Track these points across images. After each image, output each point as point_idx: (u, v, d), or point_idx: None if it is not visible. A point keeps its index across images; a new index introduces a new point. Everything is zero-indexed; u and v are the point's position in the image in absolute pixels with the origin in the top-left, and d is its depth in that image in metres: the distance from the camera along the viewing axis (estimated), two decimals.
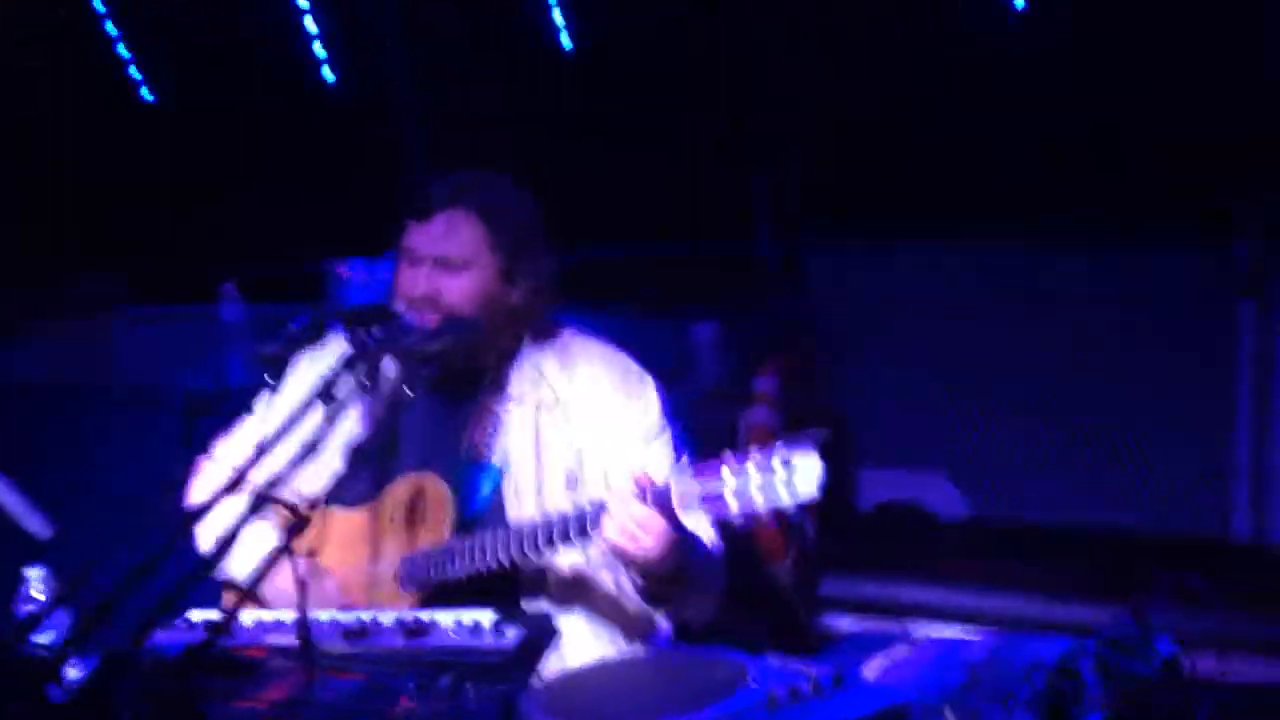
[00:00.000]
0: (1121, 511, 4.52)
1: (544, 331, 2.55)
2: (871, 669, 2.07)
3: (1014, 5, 4.50)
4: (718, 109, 4.83)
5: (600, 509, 2.23)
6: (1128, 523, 4.50)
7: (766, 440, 3.26)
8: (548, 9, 5.07)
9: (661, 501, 2.18)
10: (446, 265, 2.42)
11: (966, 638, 2.40)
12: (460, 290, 2.42)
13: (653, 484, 2.18)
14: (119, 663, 1.62)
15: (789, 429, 4.01)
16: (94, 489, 2.62)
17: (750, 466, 2.10)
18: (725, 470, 2.13)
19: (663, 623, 2.53)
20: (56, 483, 2.53)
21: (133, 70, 5.58)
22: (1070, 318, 4.64)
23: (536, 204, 2.56)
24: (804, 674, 1.91)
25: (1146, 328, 4.48)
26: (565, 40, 5.11)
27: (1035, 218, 4.64)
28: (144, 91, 5.56)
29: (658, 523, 2.18)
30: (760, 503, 2.09)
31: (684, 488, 2.17)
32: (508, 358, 2.52)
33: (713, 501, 2.13)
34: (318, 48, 5.33)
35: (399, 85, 5.16)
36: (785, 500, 2.07)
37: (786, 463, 2.07)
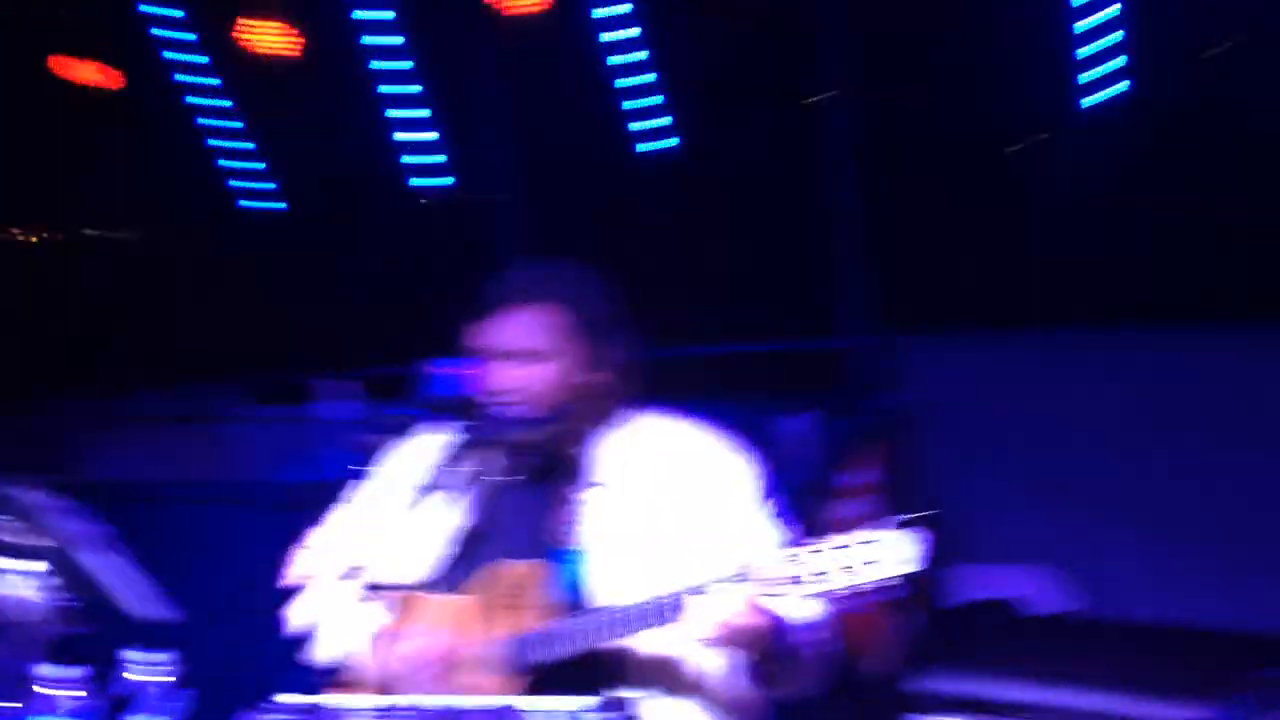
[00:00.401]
0: (1218, 612, 4.40)
1: (628, 417, 2.58)
2: None
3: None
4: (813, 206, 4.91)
5: (688, 593, 2.25)
6: (1225, 623, 4.38)
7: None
8: (648, 115, 5.23)
9: (744, 583, 2.19)
10: (522, 357, 2.46)
11: None
12: (538, 380, 2.45)
13: (734, 569, 2.20)
14: None
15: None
16: (190, 581, 2.71)
17: (852, 542, 2.11)
18: (827, 548, 2.14)
19: (761, 703, 2.52)
20: (183, 574, 2.64)
21: (242, 181, 5.86)
22: (1170, 411, 4.58)
23: (612, 292, 2.58)
24: None
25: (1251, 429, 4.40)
26: (670, 141, 5.24)
27: (1142, 310, 4.62)
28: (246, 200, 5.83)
29: (739, 603, 2.19)
30: (841, 584, 2.10)
31: (767, 569, 2.18)
32: (584, 443, 2.55)
33: (796, 582, 2.15)
34: (427, 155, 5.55)
35: (504, 190, 5.33)
36: (865, 580, 2.08)
37: (867, 543, 2.09)
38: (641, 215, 5.32)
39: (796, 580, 2.14)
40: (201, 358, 5.80)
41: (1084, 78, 4.43)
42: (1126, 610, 4.54)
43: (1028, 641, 4.33)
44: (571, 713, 2.10)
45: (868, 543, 2.10)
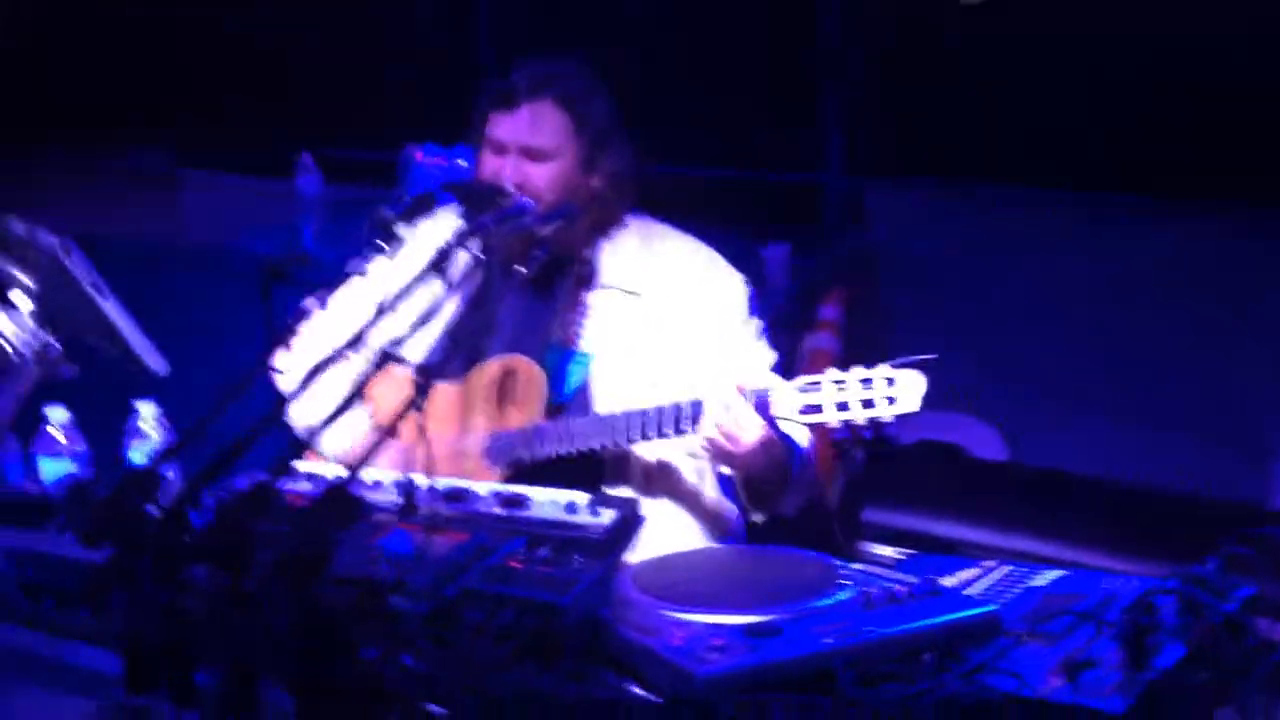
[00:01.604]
0: (1159, 473, 4.57)
1: (624, 222, 2.59)
2: (949, 584, 2.14)
3: None
4: (795, 32, 4.82)
5: (699, 406, 2.28)
6: (1163, 484, 4.57)
7: (828, 364, 3.32)
8: None
9: (761, 406, 2.23)
10: (531, 154, 2.46)
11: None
12: (546, 178, 2.45)
13: (753, 388, 2.24)
14: (259, 497, 1.68)
15: (849, 358, 4.09)
16: (175, 344, 2.65)
17: (852, 379, 2.16)
18: (826, 382, 2.19)
19: (734, 518, 2.60)
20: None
21: None
22: (1128, 272, 4.67)
23: (610, 96, 2.57)
24: (897, 579, 1.98)
25: (1208, 289, 4.51)
26: None
27: (1093, 176, 4.66)
28: None
29: (756, 423, 2.24)
30: (862, 415, 2.15)
31: (784, 396, 2.22)
32: (592, 245, 2.56)
33: (812, 411, 2.20)
34: None
35: None
36: (886, 413, 2.14)
37: (890, 380, 2.14)
38: (631, 23, 5.16)
39: (817, 409, 2.18)
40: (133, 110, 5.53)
41: None
42: (1067, 463, 4.68)
43: (969, 484, 4.46)
44: (573, 502, 2.13)
45: (890, 380, 2.15)
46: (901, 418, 2.20)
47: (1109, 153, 4.67)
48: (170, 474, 2.27)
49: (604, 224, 2.56)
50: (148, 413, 2.46)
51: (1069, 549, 3.92)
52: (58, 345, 2.30)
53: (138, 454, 2.46)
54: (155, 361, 2.28)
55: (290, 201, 4.41)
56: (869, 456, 4.18)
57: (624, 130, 2.55)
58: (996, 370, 4.84)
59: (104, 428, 2.54)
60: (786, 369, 3.55)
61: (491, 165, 2.47)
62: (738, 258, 2.71)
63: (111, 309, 2.27)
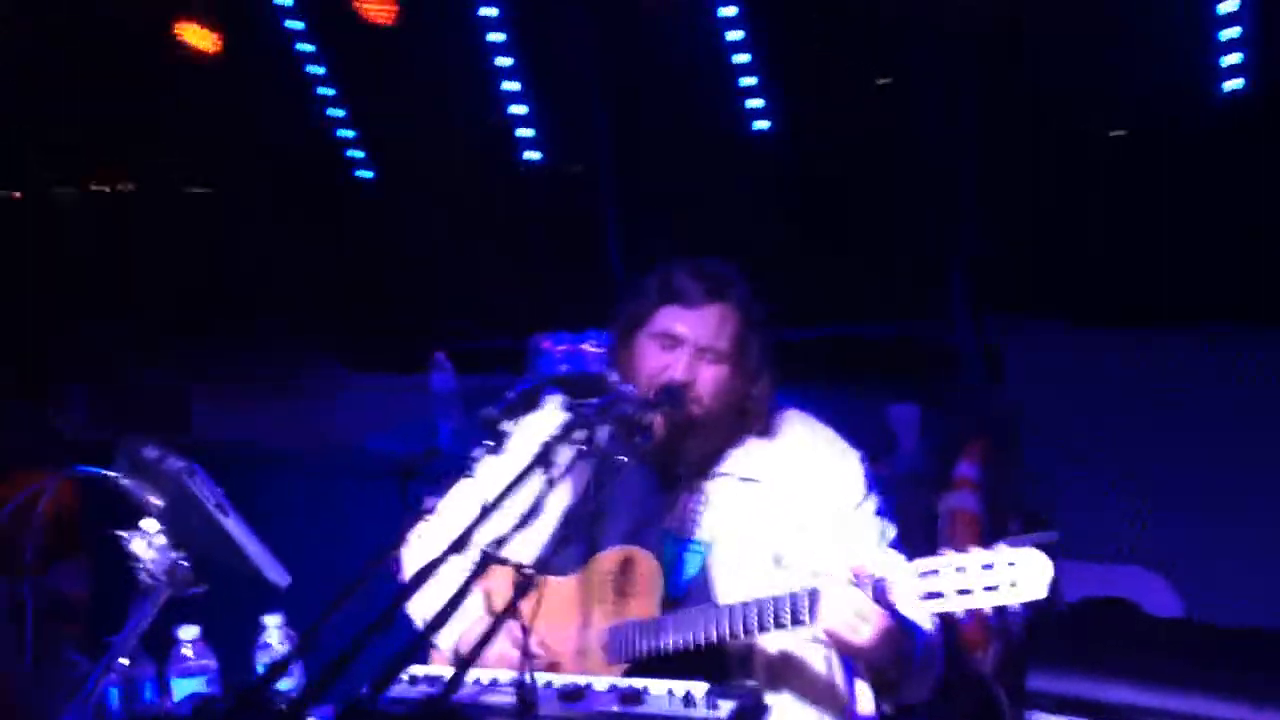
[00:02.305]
0: None
1: (770, 419, 2.57)
2: None
3: (1220, 91, 4.34)
4: (917, 195, 4.83)
5: (816, 596, 2.22)
6: None
7: (969, 524, 3.19)
8: (745, 94, 5.15)
9: (879, 593, 2.17)
10: (708, 354, 2.46)
11: None
12: (716, 379, 2.46)
13: (871, 576, 2.18)
14: (360, 713, 1.68)
15: (990, 516, 3.95)
16: (314, 549, 2.72)
17: (973, 563, 2.09)
18: (947, 566, 2.12)
19: (867, 705, 2.49)
20: (276, 540, 2.63)
21: (350, 151, 5.87)
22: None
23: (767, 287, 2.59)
24: None
25: None
26: (761, 124, 5.17)
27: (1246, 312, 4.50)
28: (361, 171, 5.84)
29: (875, 613, 2.17)
30: (984, 602, 2.07)
31: (904, 583, 2.16)
32: (733, 443, 2.54)
33: (934, 599, 2.12)
34: (524, 130, 5.51)
35: (602, 166, 5.29)
36: (1011, 600, 2.05)
37: (1011, 563, 2.06)
38: (737, 199, 5.25)
39: (938, 595, 2.11)
40: (299, 324, 5.84)
41: (1224, 61, 4.25)
42: (1245, 616, 4.41)
43: (1141, 643, 4.21)
44: (690, 694, 2.07)
45: (1012, 564, 2.07)
46: (1028, 604, 2.10)
47: (1238, 283, 4.52)
48: (290, 685, 2.31)
49: (746, 426, 2.55)
50: (273, 625, 2.51)
51: (1257, 713, 3.66)
52: (186, 564, 2.37)
53: (264, 668, 2.50)
54: (278, 574, 2.34)
55: (425, 398, 4.54)
56: (1029, 618, 4.00)
57: (771, 330, 2.54)
58: (1159, 516, 4.62)
59: (235, 643, 2.59)
60: (927, 529, 3.45)
61: (661, 360, 2.46)
62: (865, 418, 2.67)
63: (234, 526, 2.34)
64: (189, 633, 2.52)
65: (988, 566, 2.08)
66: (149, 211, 6.45)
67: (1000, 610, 2.14)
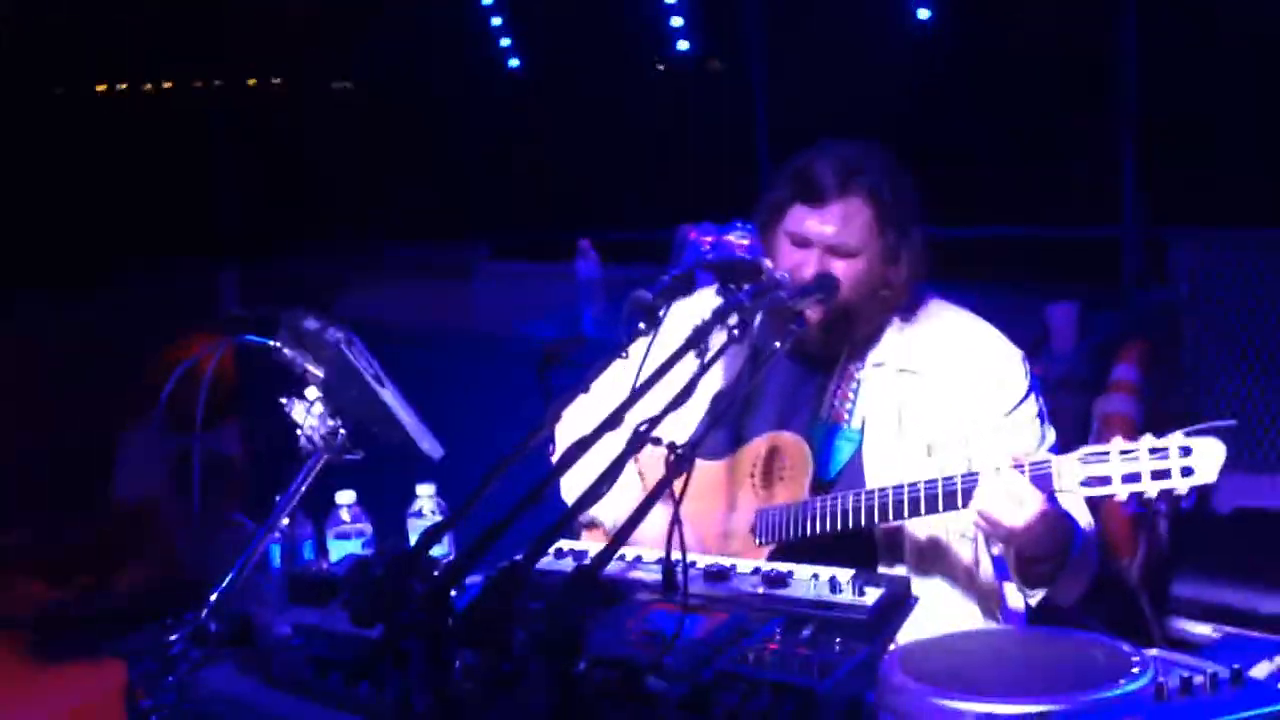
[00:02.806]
0: None
1: (913, 303, 2.52)
2: (1260, 671, 1.95)
3: None
4: (1087, 88, 4.64)
5: (974, 480, 2.19)
6: None
7: (1125, 430, 3.10)
8: None
9: (1041, 479, 2.12)
10: (838, 252, 2.41)
11: None
12: (853, 274, 2.41)
13: (1033, 461, 2.13)
14: (515, 579, 1.70)
15: (1147, 421, 3.82)
16: (460, 425, 2.77)
17: (1142, 449, 2.02)
18: (1114, 452, 2.06)
19: (1017, 601, 2.46)
20: (428, 415, 2.68)
21: (503, 40, 5.87)
22: None
23: (911, 180, 2.50)
24: (1197, 667, 1.81)
25: None
26: (922, 12, 5.00)
27: None
28: (512, 61, 5.84)
29: (1034, 496, 2.12)
30: (1153, 488, 2.00)
31: (1067, 468, 2.10)
32: (877, 330, 2.50)
33: (1097, 484, 2.06)
34: (676, 20, 5.43)
35: (753, 59, 5.19)
36: (1180, 485, 1.99)
37: (1185, 449, 1.99)
38: (893, 90, 5.10)
39: (1104, 480, 2.05)
40: (446, 213, 5.93)
41: None
42: None
43: None
44: (836, 579, 2.06)
45: (1185, 449, 1.99)
46: (1199, 489, 2.03)
47: None
48: (442, 553, 2.38)
49: (892, 309, 2.51)
50: (426, 495, 2.58)
51: None
52: (344, 431, 2.44)
53: (417, 535, 2.57)
54: (431, 446, 2.39)
55: (571, 285, 4.56)
56: (1175, 525, 3.89)
57: (922, 217, 2.47)
58: None
59: (389, 509, 2.68)
60: (1079, 433, 3.36)
61: (793, 258, 2.44)
62: (1021, 317, 2.60)
63: (390, 398, 2.39)
64: (346, 497, 2.61)
65: (1158, 452, 2.01)
66: (298, 105, 6.59)
67: (1153, 510, 2.09)
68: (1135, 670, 1.75)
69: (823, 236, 2.41)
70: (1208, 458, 2.00)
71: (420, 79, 6.21)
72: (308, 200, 6.36)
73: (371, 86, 6.66)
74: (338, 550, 2.57)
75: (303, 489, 2.45)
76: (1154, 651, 1.94)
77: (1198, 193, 4.71)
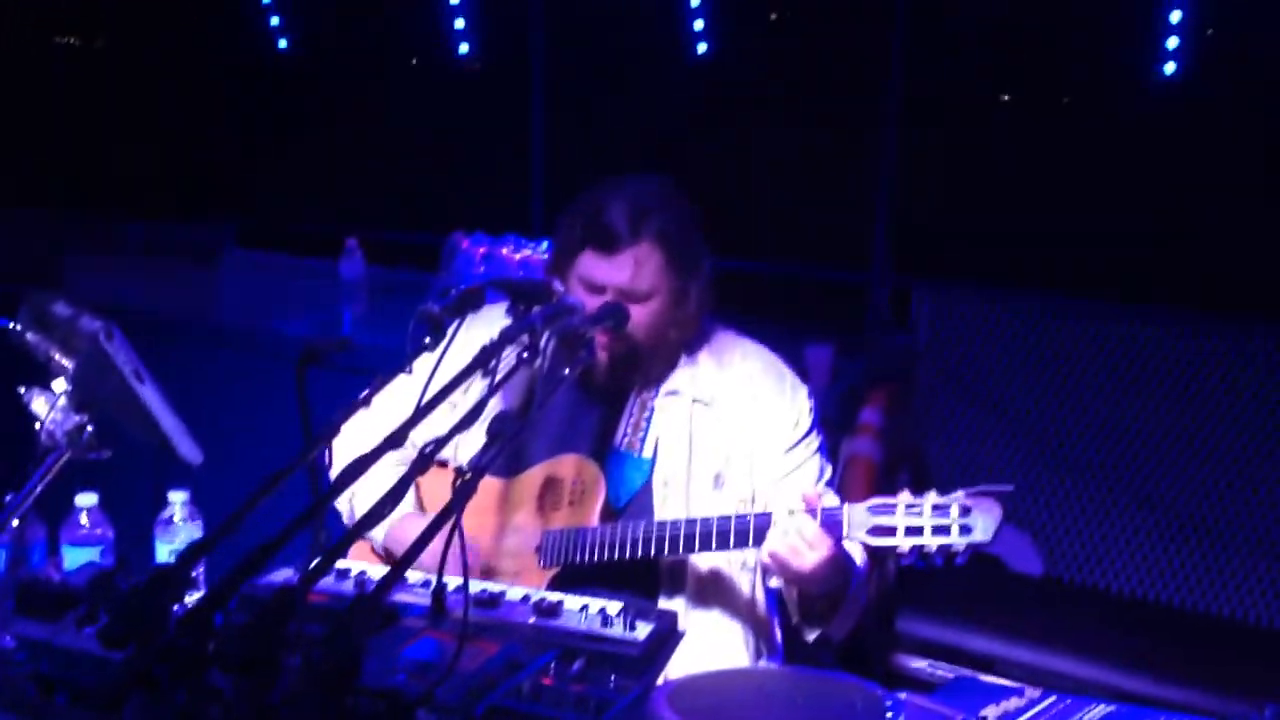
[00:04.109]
0: (1199, 597, 4.48)
1: (701, 333, 2.55)
2: (990, 714, 2.06)
3: (1161, 73, 4.44)
4: (841, 132, 4.84)
5: (766, 520, 2.23)
6: (1202, 608, 4.47)
7: (868, 470, 3.21)
8: (687, 17, 5.07)
9: (831, 525, 2.18)
10: (630, 296, 2.42)
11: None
12: (645, 316, 2.43)
13: (824, 506, 2.19)
14: (285, 602, 1.61)
15: (886, 461, 4.01)
16: (213, 425, 2.62)
17: (926, 505, 2.11)
18: (900, 505, 2.14)
19: (778, 634, 2.53)
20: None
21: (273, 19, 5.62)
22: (1172, 395, 4.60)
23: (696, 211, 2.54)
24: (942, 713, 1.89)
25: (1253, 415, 4.44)
26: (700, 47, 5.11)
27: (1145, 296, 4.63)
28: (281, 41, 5.59)
29: (824, 543, 2.18)
30: (932, 541, 2.10)
31: (856, 516, 2.17)
32: (673, 362, 2.53)
33: (883, 534, 2.14)
34: (458, 21, 5.35)
35: (534, 66, 5.16)
36: (959, 543, 2.09)
37: (965, 508, 2.09)
38: (674, 118, 5.20)
39: (889, 531, 2.13)
40: (193, 192, 5.63)
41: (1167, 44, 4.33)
42: (1106, 581, 4.60)
43: (1005, 598, 4.35)
44: (606, 612, 2.06)
45: (965, 509, 2.10)
46: (973, 548, 2.14)
47: (1143, 261, 4.67)
48: (199, 571, 2.24)
49: (683, 343, 2.53)
50: (179, 501, 2.42)
51: (1109, 672, 3.83)
52: (91, 428, 2.26)
53: (165, 545, 2.41)
54: (190, 450, 2.24)
55: (333, 284, 4.40)
56: (901, 566, 4.10)
57: (706, 248, 2.50)
58: (1034, 479, 4.77)
59: (134, 515, 2.50)
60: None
61: (587, 304, 2.42)
62: (781, 357, 2.67)
63: (150, 395, 2.23)
64: (86, 500, 2.42)
65: (940, 509, 2.11)
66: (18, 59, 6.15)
67: (930, 565, 2.18)
68: (889, 716, 1.83)
69: (615, 283, 2.42)
70: (985, 519, 2.11)
71: (175, 45, 5.88)
72: (29, 161, 5.90)
73: (121, 46, 6.25)
74: (73, 558, 2.37)
75: (38, 489, 2.24)
76: (904, 695, 2.02)
77: (942, 243, 4.99)
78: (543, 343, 2.29)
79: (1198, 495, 4.57)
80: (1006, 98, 5.05)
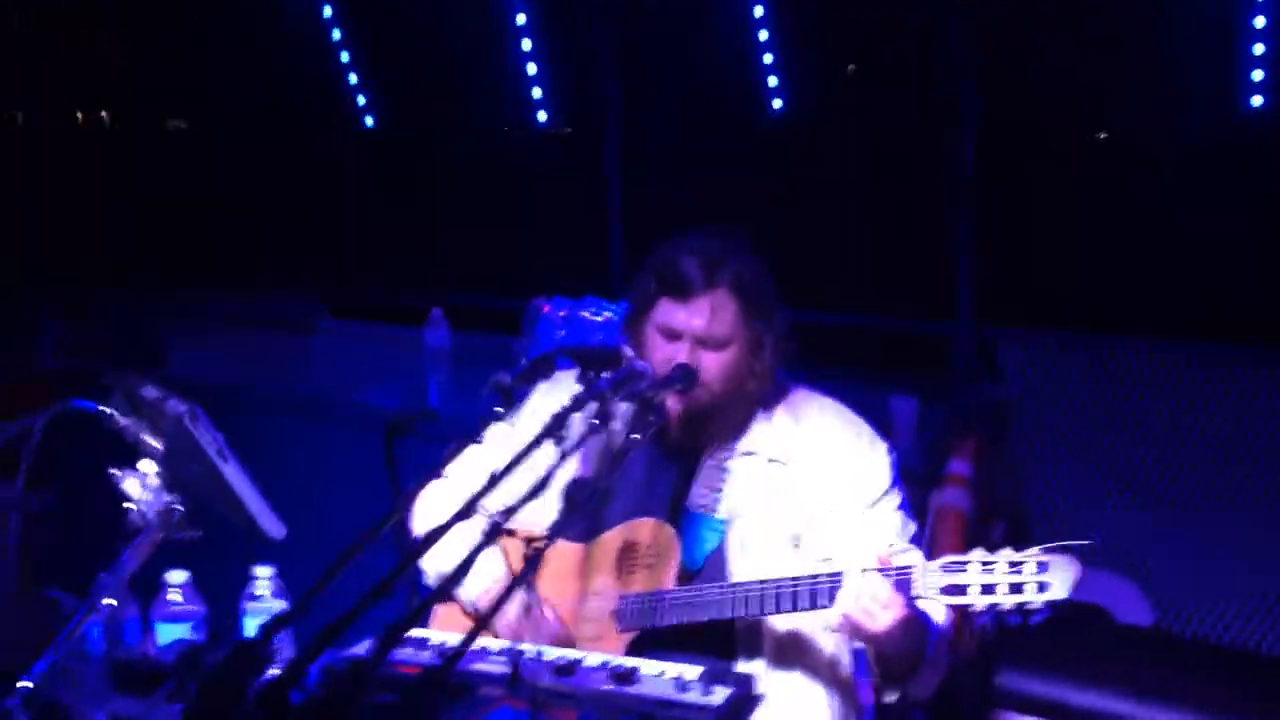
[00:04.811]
0: None
1: (778, 389, 2.54)
2: None
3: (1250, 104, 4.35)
4: (930, 185, 4.81)
5: (838, 581, 2.21)
6: None
7: (958, 522, 3.16)
8: (763, 73, 5.10)
9: (902, 584, 2.16)
10: (707, 343, 2.44)
11: None
12: (721, 365, 2.44)
13: (897, 566, 2.16)
14: (359, 675, 1.64)
15: (978, 513, 3.94)
16: (301, 498, 2.67)
17: (1001, 562, 2.08)
18: (973, 561, 2.11)
19: (866, 696, 2.49)
20: (266, 488, 2.58)
21: (359, 97, 5.79)
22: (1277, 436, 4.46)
23: (769, 267, 2.56)
24: None
25: None
26: (776, 104, 5.13)
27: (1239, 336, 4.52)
28: (368, 119, 5.76)
29: (896, 603, 2.16)
30: (1008, 601, 2.06)
31: (927, 575, 2.14)
32: (751, 416, 2.52)
33: (955, 593, 2.11)
34: (535, 90, 5.45)
35: (609, 132, 5.23)
36: (1035, 600, 2.05)
37: (1042, 565, 2.05)
38: (745, 176, 5.22)
39: (961, 590, 2.10)
40: (285, 266, 5.78)
41: (1254, 76, 4.25)
42: (1217, 632, 4.45)
43: (1111, 650, 4.23)
44: (683, 678, 2.05)
45: (1042, 565, 2.06)
46: (1051, 605, 2.10)
47: (1235, 301, 4.55)
48: (281, 644, 2.28)
49: (759, 397, 2.53)
50: (265, 577, 2.47)
51: None
52: (181, 508, 2.32)
53: (253, 620, 2.46)
54: (273, 526, 2.29)
55: (418, 352, 4.48)
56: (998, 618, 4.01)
57: (779, 302, 2.52)
58: (1139, 527, 4.65)
59: (224, 591, 2.55)
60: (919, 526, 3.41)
61: (664, 351, 2.45)
62: (865, 410, 2.65)
63: (233, 474, 2.29)
64: (177, 577, 2.48)
65: (1015, 566, 2.07)
66: (129, 143, 6.38)
67: (1006, 623, 2.14)
68: None
69: (692, 329, 2.43)
70: (1062, 574, 2.06)
71: (268, 124, 6.09)
72: (136, 241, 6.12)
73: (210, 128, 6.48)
74: (165, 634, 2.44)
75: (131, 567, 2.31)
76: None
77: (1027, 293, 4.91)
78: (612, 408, 2.31)
79: None
80: (1100, 135, 4.95)
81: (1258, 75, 4.28)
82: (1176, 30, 4.39)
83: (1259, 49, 4.25)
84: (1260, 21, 4.21)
